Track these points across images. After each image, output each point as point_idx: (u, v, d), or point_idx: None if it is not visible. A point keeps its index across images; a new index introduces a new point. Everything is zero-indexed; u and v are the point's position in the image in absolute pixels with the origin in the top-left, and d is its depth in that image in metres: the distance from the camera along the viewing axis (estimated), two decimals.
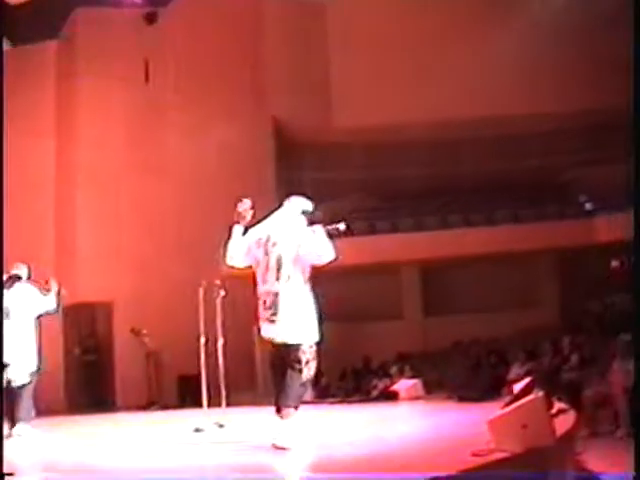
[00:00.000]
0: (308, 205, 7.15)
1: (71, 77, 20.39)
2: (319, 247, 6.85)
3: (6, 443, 9.28)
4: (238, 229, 7.08)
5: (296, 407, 6.72)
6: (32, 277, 10.61)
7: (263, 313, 6.86)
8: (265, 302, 6.82)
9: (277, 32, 21.13)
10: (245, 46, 20.83)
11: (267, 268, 6.86)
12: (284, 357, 6.82)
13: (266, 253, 6.89)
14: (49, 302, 10.48)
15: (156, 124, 20.04)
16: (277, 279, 6.80)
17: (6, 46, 18.06)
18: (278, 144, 21.12)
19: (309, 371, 6.79)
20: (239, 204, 7.09)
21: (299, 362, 6.72)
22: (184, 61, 20.54)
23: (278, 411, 6.67)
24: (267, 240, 6.92)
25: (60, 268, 19.37)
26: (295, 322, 6.77)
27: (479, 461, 4.97)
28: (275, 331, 6.78)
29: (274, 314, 6.74)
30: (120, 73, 20.17)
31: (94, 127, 20.02)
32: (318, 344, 6.90)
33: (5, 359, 10.00)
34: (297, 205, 7.11)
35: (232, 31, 20.73)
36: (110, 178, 19.72)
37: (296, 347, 6.75)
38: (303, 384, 6.78)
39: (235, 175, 19.57)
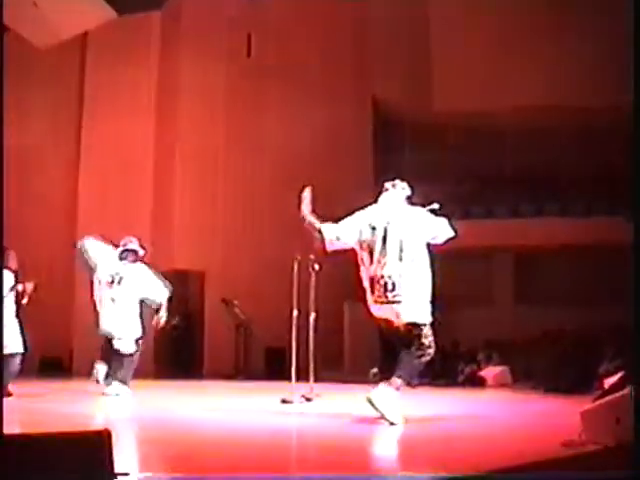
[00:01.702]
0: (409, 189, 7.32)
1: (174, 48, 20.58)
2: (441, 227, 7.06)
3: (103, 400, 9.65)
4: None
5: (408, 383, 6.78)
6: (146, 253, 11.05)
7: (384, 294, 6.93)
8: (386, 284, 6.88)
9: (380, 12, 20.98)
10: (347, 26, 20.75)
11: (387, 251, 6.93)
12: (398, 337, 6.89)
13: (385, 237, 6.97)
14: (158, 292, 10.89)
15: (256, 102, 20.14)
16: (400, 260, 6.88)
17: (112, 16, 18.34)
18: (377, 125, 21.06)
19: (427, 355, 6.88)
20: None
21: (420, 345, 6.83)
22: (286, 37, 20.55)
23: (387, 378, 6.71)
24: (386, 224, 7.01)
25: (156, 237, 19.80)
26: (419, 302, 6.89)
27: (570, 452, 4.93)
28: (399, 311, 6.85)
29: (398, 295, 6.82)
30: (222, 48, 20.31)
31: (194, 102, 20.19)
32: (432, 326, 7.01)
33: (112, 329, 10.41)
34: (404, 189, 7.28)
35: (335, 10, 20.68)
36: (208, 153, 19.90)
37: (418, 329, 6.83)
38: (418, 365, 6.87)
39: (333, 155, 19.62)
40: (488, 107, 20.55)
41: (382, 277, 6.92)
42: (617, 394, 5.51)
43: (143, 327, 11.01)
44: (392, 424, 6.47)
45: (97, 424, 6.29)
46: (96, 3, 17.51)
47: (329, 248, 7.23)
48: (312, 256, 9.77)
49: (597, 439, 5.18)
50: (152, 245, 19.61)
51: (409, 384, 6.86)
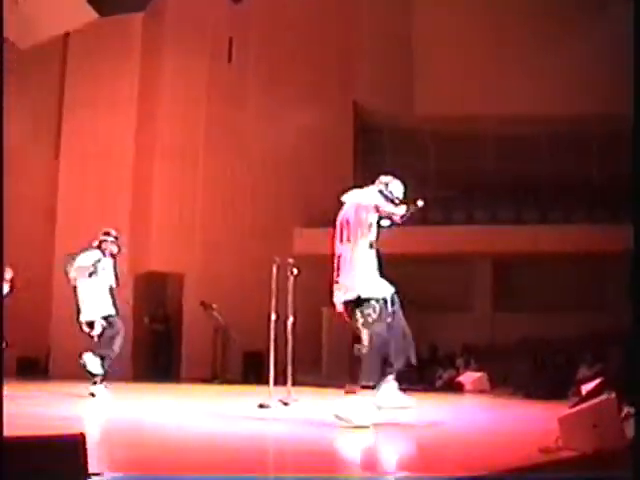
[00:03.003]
0: (388, 179, 7.18)
1: (156, 51, 20.51)
2: (383, 203, 6.94)
3: (79, 402, 9.54)
4: None
5: (364, 386, 6.68)
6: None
7: (334, 278, 6.88)
8: (334, 266, 6.83)
9: (363, 16, 21.03)
10: (330, 29, 20.78)
11: (335, 233, 6.91)
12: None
13: (337, 218, 6.97)
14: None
15: (237, 103, 20.11)
16: (340, 241, 6.86)
17: (94, 16, 18.27)
18: (358, 128, 21.09)
19: (372, 332, 6.61)
20: None
21: (361, 325, 6.62)
22: (268, 42, 20.55)
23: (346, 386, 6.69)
24: (341, 209, 7.01)
25: (135, 237, 19.71)
26: (353, 279, 6.74)
27: (547, 457, 4.94)
28: (337, 294, 6.79)
29: (338, 275, 6.77)
30: (204, 50, 20.26)
31: (175, 102, 20.13)
32: (385, 304, 6.77)
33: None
34: (380, 183, 7.17)
35: (317, 14, 20.70)
36: (188, 154, 19.85)
37: (354, 305, 6.70)
38: (370, 357, 6.61)
39: (313, 157, 19.62)
40: (470, 113, 20.66)
41: (333, 260, 6.90)
42: (594, 400, 5.52)
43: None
44: (360, 427, 6.45)
45: (73, 427, 6.23)
46: (78, 4, 17.45)
47: None
48: (291, 260, 9.76)
49: (574, 445, 5.18)
50: (131, 246, 19.67)
51: (373, 387, 6.74)
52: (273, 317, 9.70)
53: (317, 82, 20.20)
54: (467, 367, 16.19)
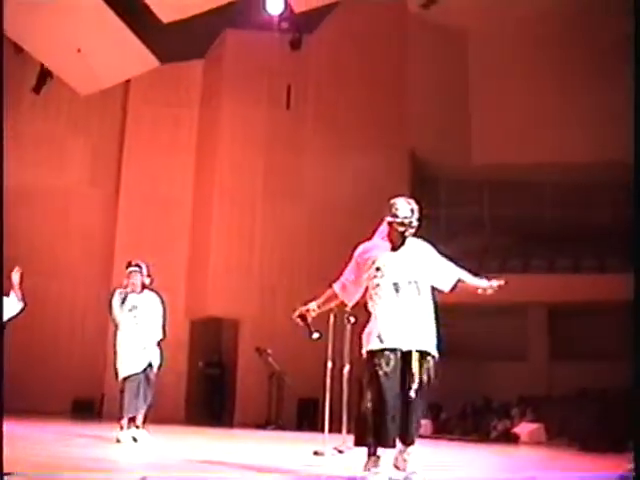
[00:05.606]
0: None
1: (215, 97, 20.86)
2: None
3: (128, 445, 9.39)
4: None
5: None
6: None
7: None
8: None
9: (421, 65, 21.11)
10: (387, 77, 20.90)
11: None
12: None
13: None
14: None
15: (295, 149, 20.29)
16: None
17: (155, 64, 18.66)
18: (414, 177, 21.06)
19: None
20: None
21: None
22: (326, 89, 20.77)
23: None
24: None
25: (191, 282, 19.90)
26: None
27: None
28: None
29: None
30: (263, 96, 20.54)
31: (234, 148, 20.38)
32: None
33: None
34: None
35: (375, 61, 20.87)
36: (246, 199, 20.04)
37: None
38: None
39: (369, 204, 19.62)
40: (527, 161, 20.58)
41: None
42: None
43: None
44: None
45: (122, 469, 6.26)
46: (140, 52, 17.84)
47: None
48: (348, 308, 9.75)
49: None
50: (188, 291, 19.85)
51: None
52: (329, 365, 9.69)
53: (374, 130, 20.30)
54: (522, 417, 15.98)
